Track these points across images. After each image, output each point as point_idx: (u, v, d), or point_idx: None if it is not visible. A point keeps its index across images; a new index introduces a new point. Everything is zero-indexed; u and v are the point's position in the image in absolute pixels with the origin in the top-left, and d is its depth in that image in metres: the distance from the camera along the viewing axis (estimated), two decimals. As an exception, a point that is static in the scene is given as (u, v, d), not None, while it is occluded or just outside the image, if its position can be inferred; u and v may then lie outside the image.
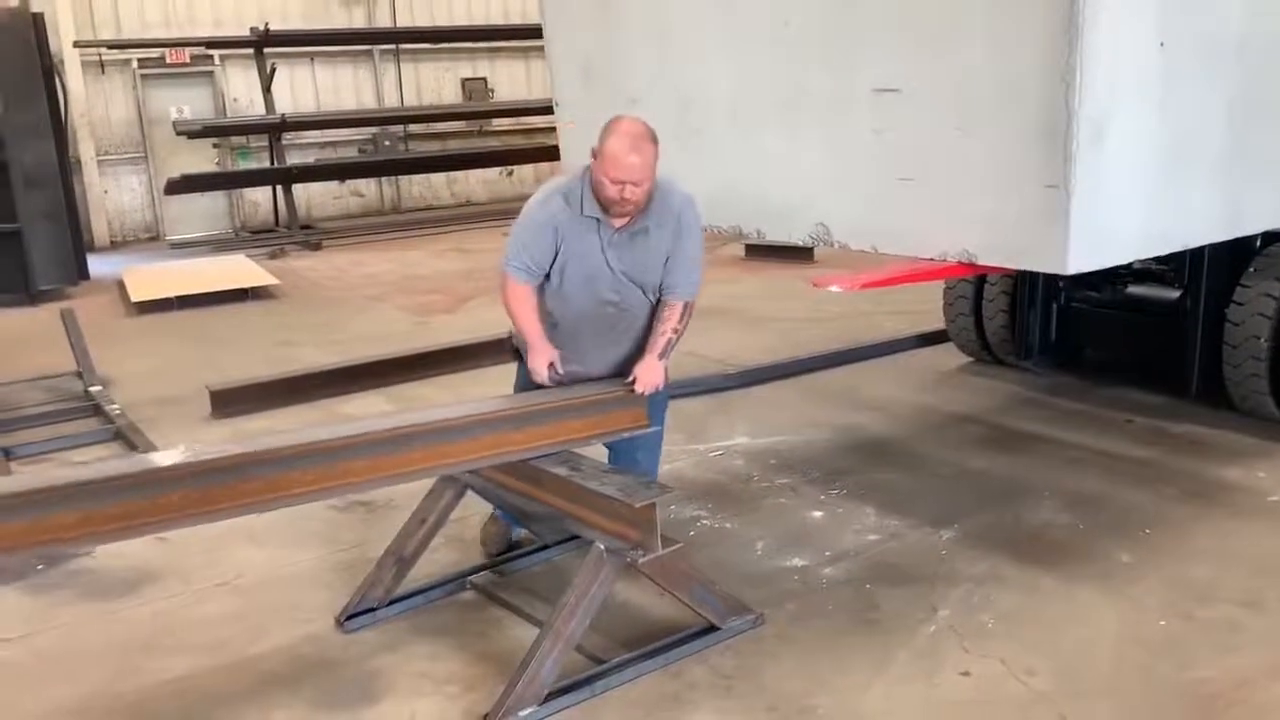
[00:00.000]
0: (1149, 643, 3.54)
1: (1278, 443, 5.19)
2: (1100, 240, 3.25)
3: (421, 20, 16.44)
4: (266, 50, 14.12)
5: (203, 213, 15.11)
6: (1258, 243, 5.20)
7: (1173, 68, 3.32)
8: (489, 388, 5.53)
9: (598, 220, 3.55)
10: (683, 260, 3.67)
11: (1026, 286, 6.13)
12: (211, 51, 14.74)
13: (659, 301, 3.74)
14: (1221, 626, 3.61)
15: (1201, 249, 5.00)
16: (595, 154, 3.46)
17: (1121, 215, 3.31)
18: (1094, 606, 3.78)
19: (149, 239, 14.82)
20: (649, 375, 3.71)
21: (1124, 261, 3.55)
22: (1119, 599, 3.82)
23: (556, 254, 3.59)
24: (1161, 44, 3.25)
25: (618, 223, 3.57)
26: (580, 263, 3.59)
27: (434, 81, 16.87)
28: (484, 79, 17.12)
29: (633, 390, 3.71)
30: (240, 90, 15.23)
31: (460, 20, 16.64)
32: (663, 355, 3.75)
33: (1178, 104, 3.43)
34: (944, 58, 3.33)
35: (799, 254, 9.94)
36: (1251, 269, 5.21)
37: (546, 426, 3.58)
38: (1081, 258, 3.19)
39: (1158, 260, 5.31)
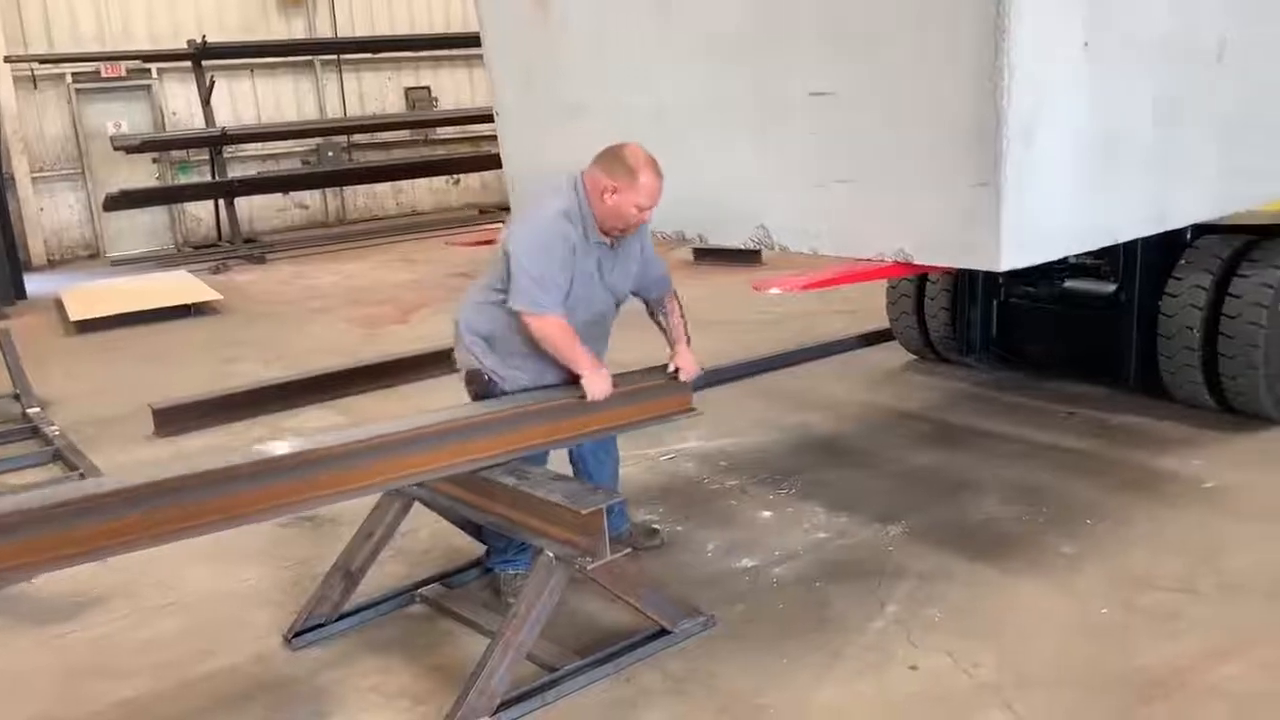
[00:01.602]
0: (1091, 631, 3.60)
1: (1212, 431, 5.31)
2: (1031, 237, 3.31)
3: (363, 30, 16.33)
4: (205, 63, 13.94)
5: (143, 228, 14.89)
6: (1188, 235, 5.32)
7: (1098, 67, 3.39)
8: (439, 398, 5.51)
9: (598, 241, 3.65)
10: (651, 258, 3.90)
11: (967, 284, 6.22)
12: (149, 65, 14.52)
13: (650, 301, 3.99)
14: (1161, 613, 3.68)
15: (1134, 243, 5.10)
16: (607, 178, 3.51)
17: (1052, 212, 3.37)
18: (1038, 597, 3.84)
19: (88, 256, 14.57)
20: (689, 363, 3.98)
21: (1055, 257, 3.61)
22: (1062, 589, 3.88)
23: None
24: (1086, 44, 3.32)
25: (609, 240, 3.67)
26: (582, 282, 3.65)
27: (377, 91, 16.77)
28: (427, 88, 17.06)
29: (676, 378, 3.97)
30: (179, 103, 15.03)
31: (402, 29, 16.56)
32: (689, 342, 4.03)
33: (1104, 102, 3.50)
34: (876, 61, 3.38)
35: (747, 257, 10.00)
36: (1183, 261, 5.33)
37: (602, 414, 3.79)
38: (1013, 255, 3.25)
39: (1093, 255, 5.42)
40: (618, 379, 3.77)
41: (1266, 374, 5.15)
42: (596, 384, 3.64)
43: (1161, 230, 4.15)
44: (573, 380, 3.69)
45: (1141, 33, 3.61)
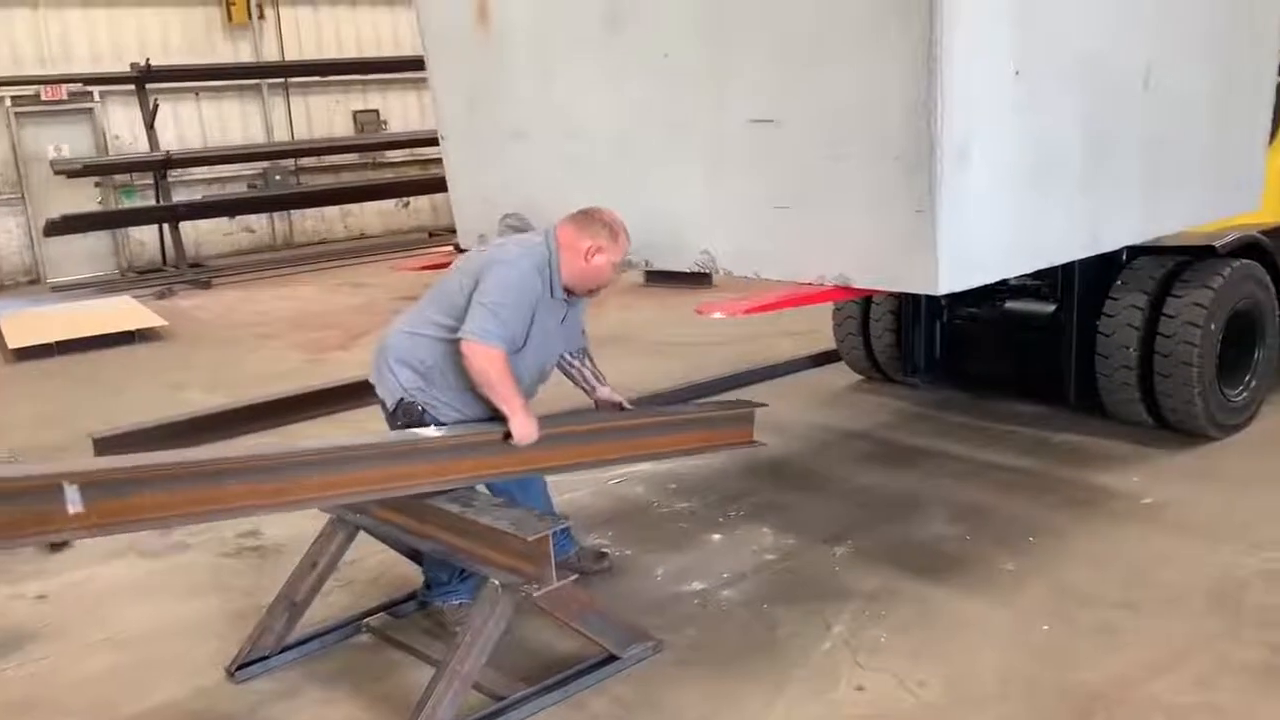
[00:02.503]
0: (1034, 648, 3.65)
1: (1150, 448, 5.43)
2: (968, 261, 3.37)
3: (310, 52, 16.23)
4: (149, 85, 13.76)
5: (86, 254, 14.62)
6: (1124, 257, 5.45)
7: (1028, 95, 3.47)
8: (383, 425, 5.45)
9: (561, 298, 3.74)
10: (585, 318, 4.07)
11: (910, 306, 6.30)
12: (90, 88, 14.32)
13: (572, 353, 4.06)
14: (1101, 629, 3.75)
15: (1072, 265, 5.21)
16: (590, 239, 3.67)
17: (987, 236, 3.43)
18: (981, 616, 3.89)
19: (29, 282, 14.28)
20: (618, 395, 4.14)
21: (991, 280, 3.67)
22: (1004, 607, 3.94)
23: (527, 328, 3.65)
24: (1017, 73, 3.39)
25: (568, 297, 3.77)
26: (541, 336, 3.70)
27: (325, 114, 16.66)
28: (376, 111, 16.98)
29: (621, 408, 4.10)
30: (122, 127, 14.82)
31: (350, 52, 16.48)
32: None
33: (1036, 129, 3.58)
34: (815, 89, 3.43)
35: (697, 279, 10.01)
36: (1119, 282, 5.45)
37: (667, 438, 4.16)
38: (950, 278, 3.30)
39: (1033, 276, 5.52)
40: (686, 409, 4.17)
41: (1201, 391, 5.27)
42: (525, 428, 3.57)
43: (1093, 253, 4.23)
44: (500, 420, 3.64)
45: (1071, 62, 3.70)
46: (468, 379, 3.58)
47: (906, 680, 3.48)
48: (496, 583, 3.30)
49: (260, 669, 3.71)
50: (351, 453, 3.41)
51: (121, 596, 4.42)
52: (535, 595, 3.26)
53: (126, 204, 14.73)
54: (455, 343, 3.54)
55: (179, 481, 3.06)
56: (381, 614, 4.05)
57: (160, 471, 3.05)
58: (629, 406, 4.12)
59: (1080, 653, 3.60)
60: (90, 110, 14.67)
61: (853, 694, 3.43)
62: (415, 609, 4.09)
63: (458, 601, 3.93)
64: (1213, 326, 5.28)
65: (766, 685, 3.50)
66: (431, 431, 3.60)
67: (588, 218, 3.72)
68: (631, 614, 3.87)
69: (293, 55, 16.08)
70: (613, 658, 3.60)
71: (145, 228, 14.61)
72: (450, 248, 5.53)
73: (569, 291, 3.75)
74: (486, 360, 3.49)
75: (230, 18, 15.48)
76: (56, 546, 4.95)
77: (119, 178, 14.66)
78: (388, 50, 16.63)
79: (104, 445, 6.21)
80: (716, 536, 4.72)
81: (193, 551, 4.83)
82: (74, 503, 2.82)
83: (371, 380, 3.79)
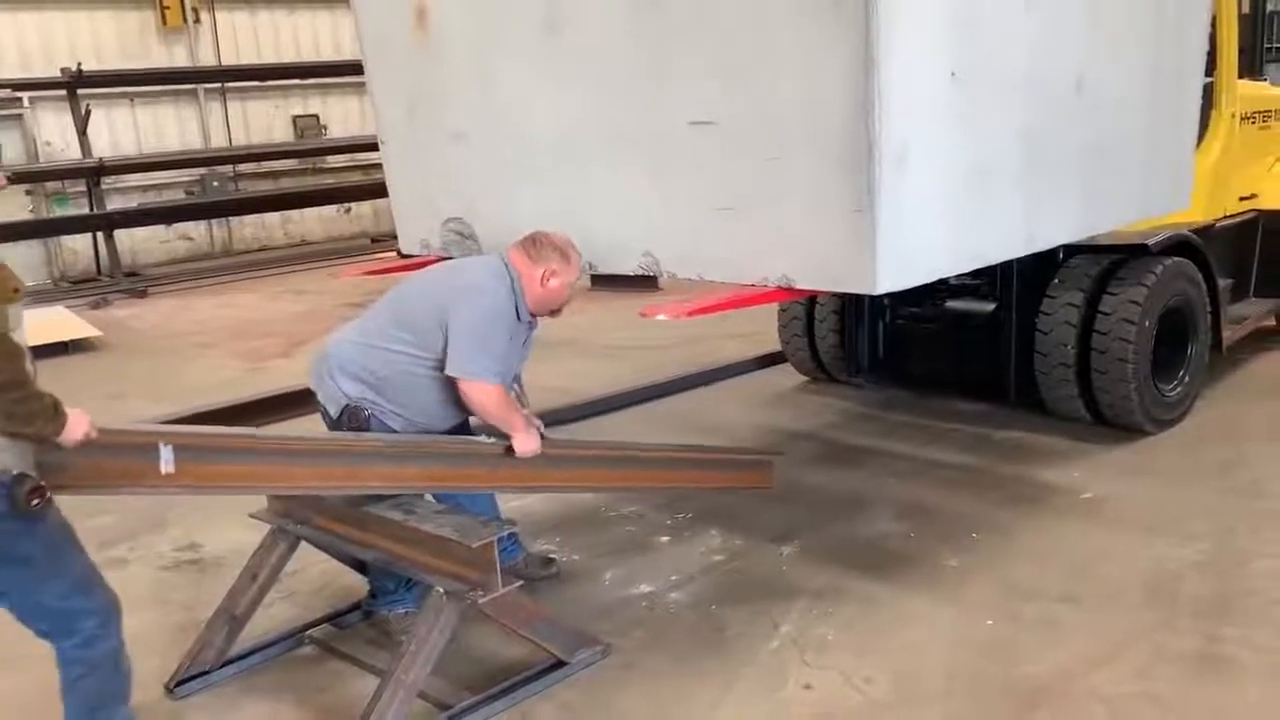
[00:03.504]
0: (978, 643, 3.70)
1: (1089, 443, 5.53)
2: (906, 260, 3.40)
3: (248, 56, 15.96)
4: (81, 91, 13.45)
5: (17, 263, 13.88)
6: (1060, 256, 5.54)
7: (965, 97, 3.51)
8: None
9: (527, 321, 3.77)
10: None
11: (854, 306, 6.35)
12: (19, 93, 13.96)
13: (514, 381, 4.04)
14: (1044, 623, 3.80)
15: (1011, 264, 5.29)
16: (543, 264, 3.70)
17: (925, 236, 3.47)
18: (926, 612, 3.93)
19: (-44, 293, 13.88)
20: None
21: (930, 280, 3.71)
22: (949, 603, 3.98)
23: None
24: (953, 74, 3.43)
25: (534, 319, 3.81)
26: (508, 358, 3.73)
27: (263, 120, 16.39)
28: (315, 116, 16.74)
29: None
30: (53, 133, 14.45)
31: (289, 56, 16.23)
32: None
33: (973, 130, 3.63)
34: (753, 91, 3.44)
35: (643, 282, 9.96)
36: (1056, 280, 5.54)
37: (690, 473, 4.50)
38: (889, 278, 3.33)
39: (973, 275, 5.60)
40: (707, 451, 4.59)
41: (1137, 387, 5.38)
42: (530, 443, 3.65)
43: (1029, 252, 4.30)
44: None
45: (1006, 65, 3.75)
46: (423, 397, 3.62)
47: (853, 677, 3.50)
48: (441, 590, 3.27)
49: (201, 684, 3.63)
50: (415, 449, 3.59)
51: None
52: (481, 602, 3.23)
53: (59, 212, 14.37)
54: (414, 360, 3.57)
55: (259, 455, 3.28)
56: (325, 624, 3.99)
57: (245, 444, 3.30)
58: (544, 432, 3.96)
59: (1023, 647, 3.65)
60: (20, 116, 14.28)
61: (800, 692, 3.45)
62: (360, 619, 4.04)
63: (403, 610, 3.88)
64: (1147, 323, 5.39)
65: (715, 685, 3.50)
66: (484, 439, 3.74)
67: (535, 244, 3.73)
68: (579, 619, 3.85)
69: (229, 59, 15.81)
70: (560, 663, 3.58)
71: (79, 236, 14.28)
72: (393, 254, 5.46)
73: (536, 315, 3.80)
74: (486, 396, 3.55)
75: (165, 21, 15.16)
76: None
77: (51, 185, 14.31)
78: (327, 54, 16.42)
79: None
80: (664, 539, 4.72)
81: (131, 565, 4.72)
82: (167, 462, 3.00)
83: (312, 385, 3.74)
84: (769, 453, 4.95)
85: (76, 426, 2.72)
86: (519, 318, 3.71)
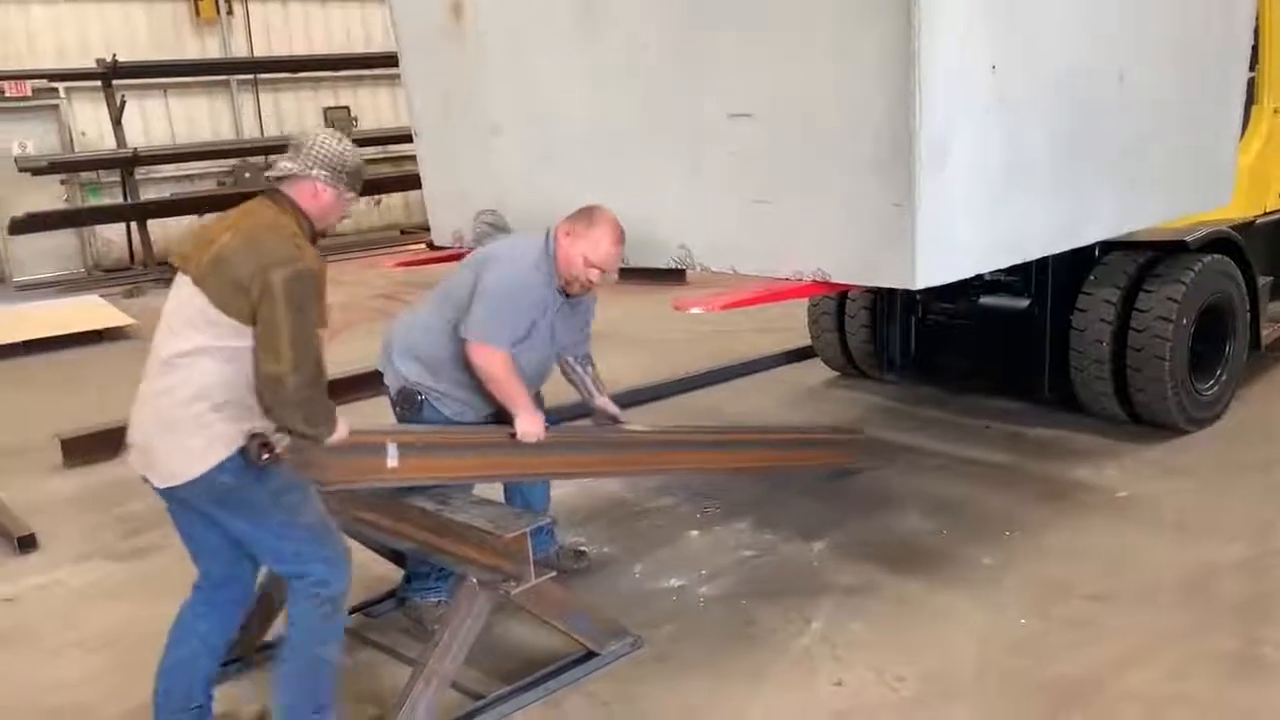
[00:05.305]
0: (1010, 642, 3.67)
1: (1123, 441, 5.47)
2: (945, 255, 3.37)
3: (280, 48, 16.07)
4: (115, 82, 13.58)
5: (51, 252, 14.41)
6: (1096, 252, 5.48)
7: (1006, 91, 3.48)
8: (368, 419, 5.40)
9: (559, 293, 3.71)
10: (590, 323, 4.08)
11: (885, 301, 6.31)
12: (56, 84, 14.11)
13: (576, 357, 4.04)
14: (1077, 622, 3.77)
15: (1046, 260, 5.23)
16: (573, 236, 3.63)
17: (964, 230, 3.44)
18: (958, 610, 3.90)
19: (-7, 281, 14.08)
20: (614, 408, 4.16)
21: (968, 275, 3.67)
22: (982, 601, 3.95)
23: (529, 326, 3.65)
24: (994, 68, 3.40)
25: (566, 295, 3.75)
26: (540, 332, 3.70)
27: (295, 111, 16.50)
28: (347, 108, 16.84)
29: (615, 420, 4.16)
30: (89, 123, 14.62)
31: (320, 48, 16.33)
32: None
33: (1013, 124, 3.59)
34: (793, 83, 3.42)
35: (672, 276, 9.97)
36: (1092, 277, 5.48)
37: (787, 453, 4.88)
38: (928, 273, 3.30)
39: (1007, 271, 5.55)
40: (804, 432, 4.98)
41: (1173, 385, 5.32)
42: (531, 425, 3.63)
43: (1067, 247, 4.26)
44: (506, 419, 3.69)
45: (1047, 59, 3.71)
46: (472, 375, 3.62)
47: (885, 674, 3.48)
48: (474, 581, 3.28)
49: (238, 668, 3.67)
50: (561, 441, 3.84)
51: (90, 600, 4.36)
52: (514, 593, 3.24)
53: (93, 202, 14.54)
54: (456, 337, 3.59)
55: (469, 450, 3.63)
56: (358, 614, 4.01)
57: (456, 440, 3.65)
58: (623, 420, 4.12)
59: (1057, 646, 3.62)
60: (56, 107, 14.46)
61: (831, 688, 3.44)
62: (394, 607, 4.06)
63: (436, 599, 3.90)
64: (1184, 321, 5.33)
65: (745, 679, 3.50)
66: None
67: (581, 210, 3.71)
68: (610, 611, 3.85)
69: (262, 51, 15.91)
70: (591, 655, 3.58)
71: (112, 226, 14.42)
72: (424, 245, 5.50)
73: (567, 287, 3.72)
74: (488, 360, 3.54)
75: (198, 13, 15.31)
76: (25, 548, 4.88)
77: (85, 175, 14.47)
78: (358, 46, 16.50)
79: (72, 446, 6.13)
80: (694, 533, 4.72)
81: (161, 554, 4.76)
82: (393, 457, 3.39)
83: (380, 368, 3.84)
84: (853, 431, 5.42)
85: (343, 429, 3.09)
86: (550, 289, 3.67)
